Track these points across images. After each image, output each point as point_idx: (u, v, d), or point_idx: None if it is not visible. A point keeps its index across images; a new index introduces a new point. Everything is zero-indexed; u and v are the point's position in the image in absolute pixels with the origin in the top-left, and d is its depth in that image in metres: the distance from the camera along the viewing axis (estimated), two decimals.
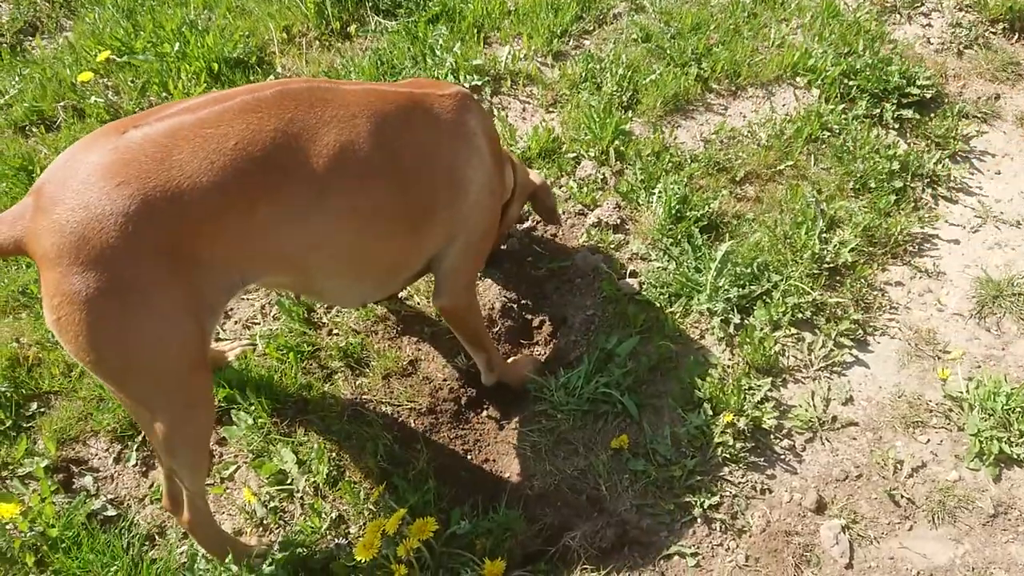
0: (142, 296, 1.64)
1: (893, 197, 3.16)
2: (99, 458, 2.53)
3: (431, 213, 2.13)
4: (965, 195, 3.31)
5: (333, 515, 2.37)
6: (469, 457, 2.54)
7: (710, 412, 2.52)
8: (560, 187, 3.29)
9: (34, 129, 3.61)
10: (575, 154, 3.39)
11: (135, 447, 2.53)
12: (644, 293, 2.87)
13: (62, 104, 3.67)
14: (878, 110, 3.54)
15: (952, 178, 3.33)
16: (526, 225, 3.14)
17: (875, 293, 2.94)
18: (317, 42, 4.06)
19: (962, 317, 2.89)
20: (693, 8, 4.09)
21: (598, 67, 3.71)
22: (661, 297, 2.86)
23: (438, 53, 3.77)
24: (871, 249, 3.04)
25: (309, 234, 1.87)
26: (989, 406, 2.55)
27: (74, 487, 2.47)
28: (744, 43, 3.84)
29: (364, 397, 2.63)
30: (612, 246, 3.05)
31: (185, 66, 3.76)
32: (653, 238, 3.02)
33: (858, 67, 3.64)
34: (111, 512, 2.39)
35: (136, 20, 4.07)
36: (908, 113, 3.52)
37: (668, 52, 3.77)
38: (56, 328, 1.65)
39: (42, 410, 2.61)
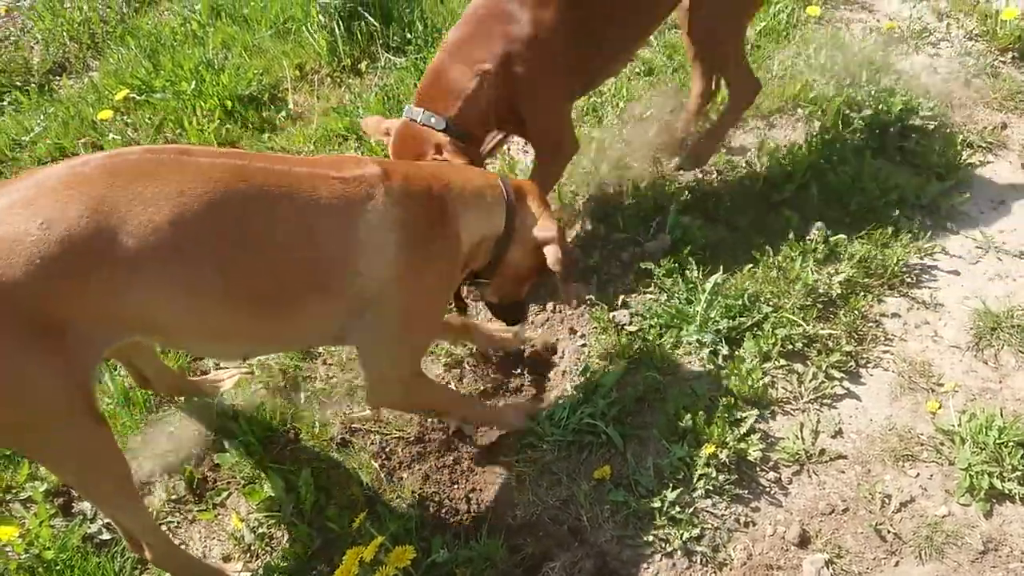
0: (8, 366, 1.70)
1: (891, 228, 3.15)
2: None
3: (291, 303, 2.01)
4: (967, 226, 3.28)
5: (318, 542, 2.41)
6: (454, 486, 2.57)
7: (694, 443, 2.52)
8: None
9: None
10: (574, 187, 3.44)
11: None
12: (635, 323, 2.89)
13: (83, 141, 3.83)
14: (879, 141, 3.54)
15: (953, 208, 3.30)
16: None
17: (870, 325, 2.92)
18: (329, 79, 4.19)
19: (959, 349, 2.86)
20: None
21: (599, 100, 3.76)
22: (652, 328, 2.87)
23: None
24: (867, 280, 3.02)
25: (137, 305, 1.83)
26: (981, 440, 2.51)
27: (73, 511, 2.55)
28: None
29: (354, 426, 2.69)
30: (605, 276, 3.08)
31: (200, 103, 3.90)
32: (647, 269, 3.04)
33: (860, 98, 3.64)
34: (105, 536, 2.46)
35: (157, 60, 4.23)
36: (910, 144, 3.50)
37: (669, 85, 3.81)
38: None
39: None
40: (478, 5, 2.71)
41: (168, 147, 1.90)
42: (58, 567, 2.34)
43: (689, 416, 2.55)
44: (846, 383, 2.76)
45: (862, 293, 2.98)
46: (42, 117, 3.98)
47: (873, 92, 3.64)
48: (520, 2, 2.63)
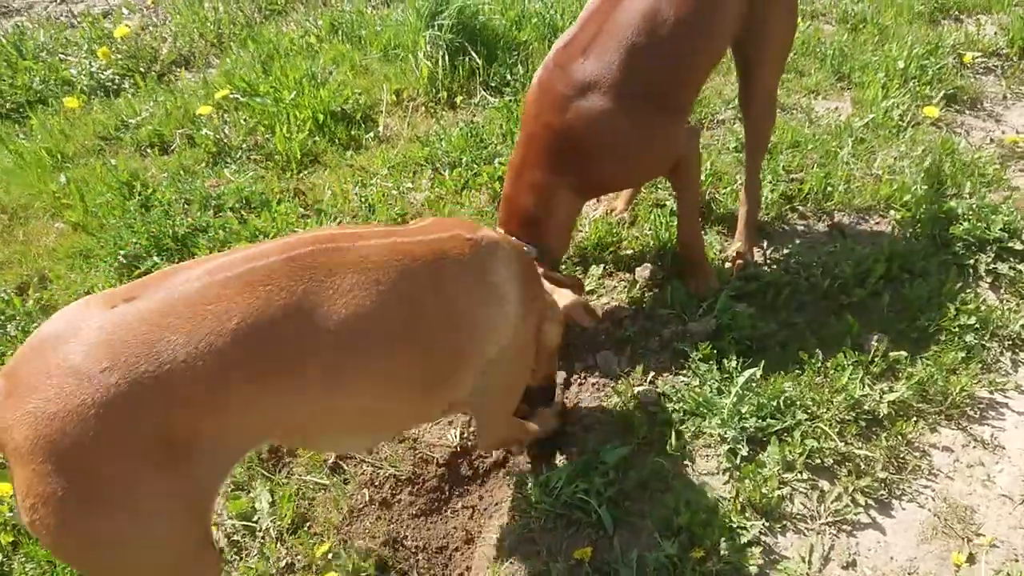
0: (126, 496, 1.45)
1: (963, 354, 2.89)
2: None
3: (449, 373, 1.95)
4: None
5: (284, 562, 2.39)
6: (431, 534, 2.49)
7: (687, 544, 2.35)
8: (614, 282, 3.23)
9: (150, 151, 3.96)
10: (632, 251, 3.34)
11: None
12: (660, 404, 2.76)
13: (180, 132, 4.01)
14: (972, 260, 3.27)
15: None
16: None
17: (915, 454, 2.67)
18: (424, 107, 4.26)
19: (1011, 501, 2.58)
20: (797, 124, 3.98)
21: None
22: (675, 412, 2.73)
23: None
24: (922, 406, 2.78)
25: (318, 407, 1.70)
26: None
27: None
28: (841, 167, 3.68)
29: (350, 452, 2.66)
30: (641, 349, 2.96)
31: (295, 113, 4.03)
32: (684, 350, 2.90)
33: (960, 211, 3.39)
34: None
35: (269, 66, 4.41)
36: (1004, 268, 3.23)
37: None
38: (33, 530, 1.45)
39: None
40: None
41: (319, 236, 1.75)
42: None
43: (688, 513, 2.39)
44: (873, 512, 2.52)
45: (914, 418, 2.74)
46: (151, 104, 4.21)
47: (975, 206, 3.38)
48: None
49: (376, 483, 2.59)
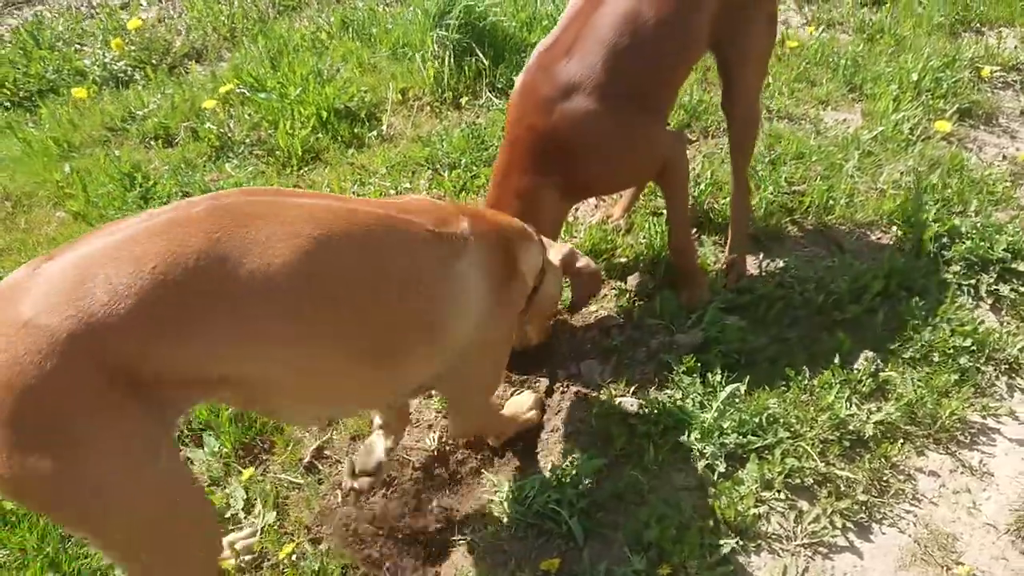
0: (89, 435, 1.48)
1: (955, 376, 2.83)
2: None
3: (401, 350, 1.94)
4: None
5: (254, 559, 2.39)
6: (400, 536, 2.48)
7: (656, 559, 2.32)
8: (605, 289, 3.21)
9: (155, 143, 4.00)
10: (627, 260, 3.31)
11: None
12: (640, 416, 2.72)
13: (185, 125, 4.04)
14: (974, 280, 3.20)
15: None
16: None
17: (899, 477, 2.62)
18: (428, 107, 4.25)
19: (995, 530, 2.51)
20: (804, 135, 3.92)
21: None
22: (655, 426, 2.69)
23: None
24: (911, 428, 2.72)
25: (241, 359, 1.68)
26: None
27: None
28: (845, 180, 3.62)
29: (326, 452, 2.66)
30: (627, 360, 2.93)
31: (300, 109, 4.04)
32: (669, 362, 2.87)
33: (964, 229, 3.32)
34: None
35: (278, 62, 4.43)
36: (1006, 289, 3.15)
37: (761, 177, 3.62)
38: (12, 495, 1.53)
39: None
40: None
41: (262, 188, 1.79)
42: None
43: (659, 529, 2.36)
44: (851, 535, 2.48)
45: (900, 440, 2.69)
46: (159, 96, 4.24)
47: (979, 224, 3.31)
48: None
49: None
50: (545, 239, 2.49)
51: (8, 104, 4.40)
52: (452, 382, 2.19)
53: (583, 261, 2.55)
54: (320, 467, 2.63)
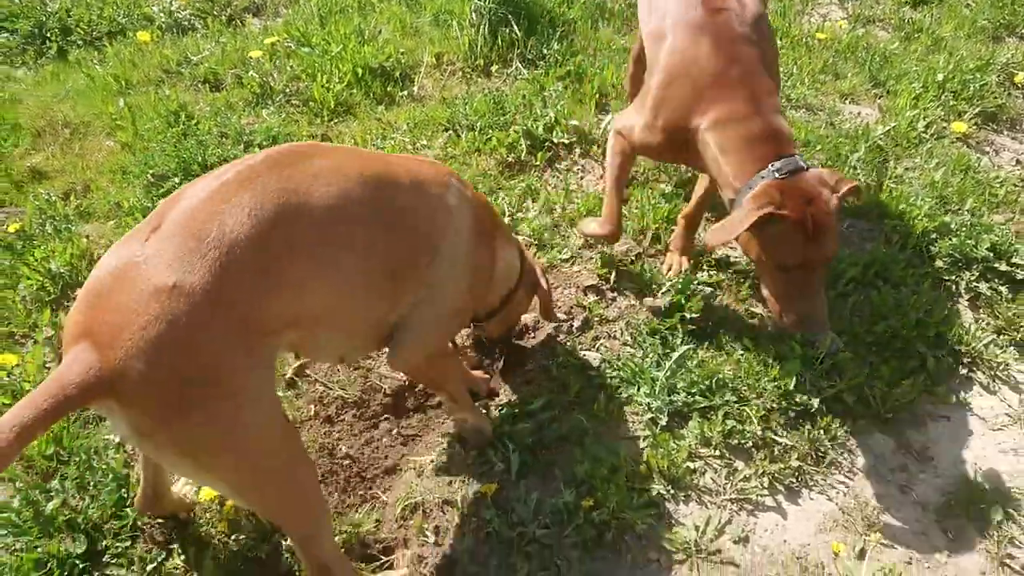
0: (240, 383, 1.63)
1: (913, 363, 2.92)
2: None
3: (408, 272, 2.11)
4: (1009, 389, 2.97)
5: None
6: (362, 453, 2.72)
7: (586, 495, 2.51)
8: (591, 252, 3.38)
9: (203, 86, 4.31)
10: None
11: None
12: (598, 369, 2.91)
13: (232, 71, 4.34)
14: (954, 276, 3.27)
15: (1001, 366, 3.00)
16: None
17: (839, 450, 2.73)
18: (460, 72, 4.46)
19: (923, 509, 2.62)
20: (816, 125, 4.00)
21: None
22: (611, 379, 2.87)
23: (546, 106, 4.01)
24: (859, 408, 2.83)
25: (314, 294, 1.84)
26: None
27: None
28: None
29: (307, 372, 2.92)
30: (597, 317, 3.11)
31: (339, 65, 4.30)
32: (637, 323, 3.03)
33: (953, 226, 3.38)
34: None
35: (327, 20, 4.70)
36: (984, 287, 3.21)
37: None
38: (177, 453, 1.65)
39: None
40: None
41: (291, 145, 2.01)
42: None
43: (590, 466, 2.55)
44: (779, 496, 2.62)
45: (845, 417, 2.80)
46: (213, 44, 4.56)
47: (968, 223, 3.36)
48: None
49: (324, 401, 2.84)
50: (529, 257, 2.73)
51: (81, 43, 4.78)
52: (413, 316, 2.26)
53: (543, 280, 2.78)
54: (300, 384, 2.89)
